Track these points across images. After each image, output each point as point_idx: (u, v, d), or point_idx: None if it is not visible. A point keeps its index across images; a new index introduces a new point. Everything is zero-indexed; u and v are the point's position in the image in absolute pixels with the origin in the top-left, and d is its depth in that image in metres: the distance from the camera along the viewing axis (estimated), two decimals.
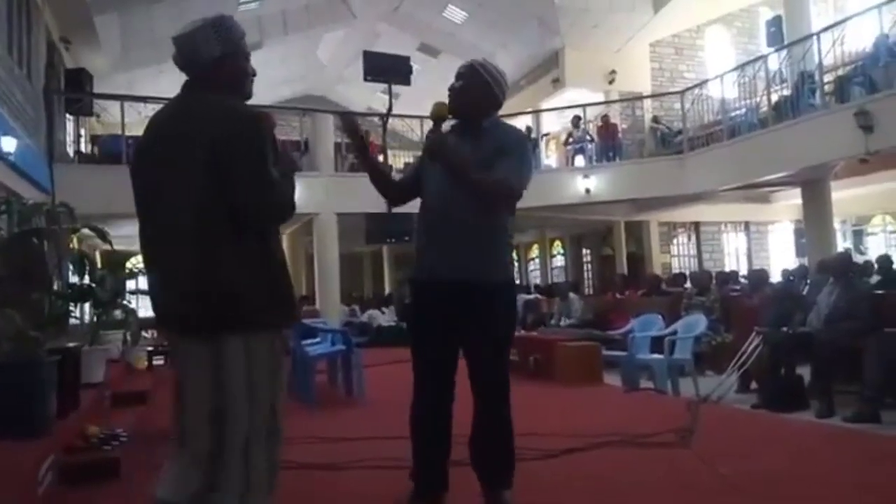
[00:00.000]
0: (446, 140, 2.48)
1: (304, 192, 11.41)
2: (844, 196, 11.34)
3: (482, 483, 2.52)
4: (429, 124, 2.57)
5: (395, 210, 9.80)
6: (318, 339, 6.27)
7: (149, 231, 1.92)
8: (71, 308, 4.14)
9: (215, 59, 1.87)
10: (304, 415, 4.71)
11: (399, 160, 14.35)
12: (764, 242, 15.94)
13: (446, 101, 2.54)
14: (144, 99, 11.08)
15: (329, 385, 6.15)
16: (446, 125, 2.57)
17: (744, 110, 11.34)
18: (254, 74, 2.00)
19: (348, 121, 2.72)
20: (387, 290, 18.04)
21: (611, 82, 14.83)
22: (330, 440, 3.76)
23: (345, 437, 3.87)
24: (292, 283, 2.06)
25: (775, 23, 12.84)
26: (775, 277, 9.91)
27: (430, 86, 11.41)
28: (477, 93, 2.50)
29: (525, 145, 2.61)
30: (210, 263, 1.79)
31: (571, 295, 9.71)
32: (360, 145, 2.67)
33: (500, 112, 2.64)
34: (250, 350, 1.83)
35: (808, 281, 8.24)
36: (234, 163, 1.77)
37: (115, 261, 5.42)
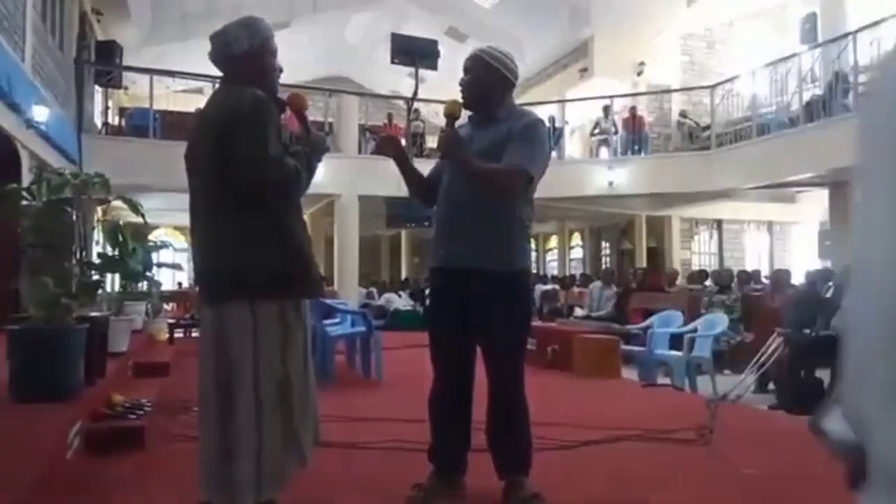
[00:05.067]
0: (454, 137, 2.49)
1: (326, 174, 11.48)
2: None
3: (499, 469, 2.53)
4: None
5: None
6: (337, 320, 6.30)
7: (190, 212, 2.14)
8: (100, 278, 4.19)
9: (243, 53, 2.06)
10: (323, 395, 4.73)
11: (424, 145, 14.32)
12: (786, 243, 15.74)
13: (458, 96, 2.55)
14: (173, 73, 11.16)
15: (347, 366, 6.19)
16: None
17: (774, 108, 11.17)
18: (280, 70, 2.18)
19: (387, 144, 2.67)
20: (403, 275, 18.09)
21: (639, 74, 14.63)
22: (349, 420, 3.79)
23: (364, 417, 3.91)
24: (311, 258, 2.18)
25: (810, 20, 12.58)
26: (797, 279, 9.79)
27: (456, 71, 11.29)
28: (488, 83, 2.51)
29: (537, 128, 2.56)
30: (216, 237, 2.02)
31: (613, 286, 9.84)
32: (402, 163, 2.65)
33: (527, 101, 2.62)
34: (256, 318, 1.98)
35: (831, 284, 8.13)
36: (232, 142, 1.95)
37: (141, 233, 5.49)
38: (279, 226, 2.05)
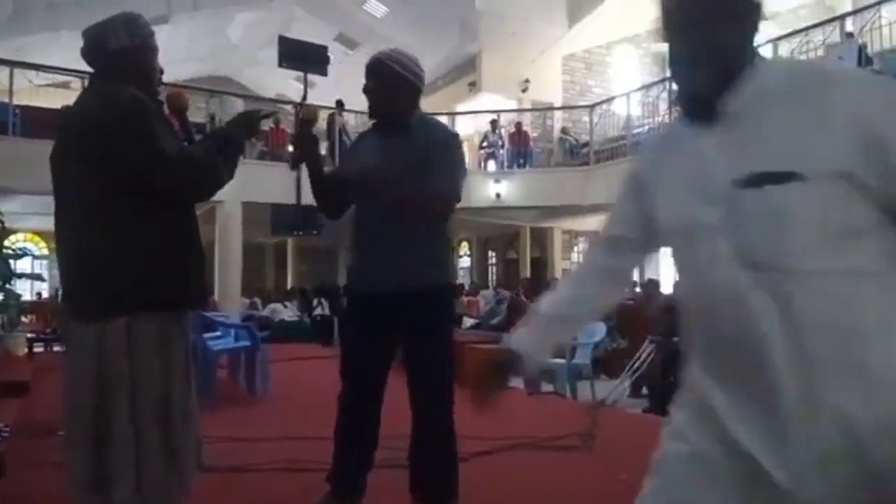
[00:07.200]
0: (376, 172, 2.32)
1: None
2: None
3: (424, 496, 2.43)
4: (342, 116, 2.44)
5: (304, 202, 9.45)
6: (218, 333, 6.03)
7: (55, 219, 1.96)
8: None
9: (122, 49, 1.94)
10: (205, 414, 4.51)
11: None
12: (657, 254, 16.82)
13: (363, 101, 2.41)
14: (37, 66, 10.32)
15: (230, 382, 5.94)
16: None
17: (646, 128, 11.93)
18: (161, 72, 2.07)
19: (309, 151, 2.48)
20: (289, 284, 17.66)
21: (524, 90, 15.18)
22: (234, 440, 3.63)
23: (249, 437, 3.76)
24: (196, 267, 2.07)
25: None
26: (666, 288, 10.46)
27: (346, 78, 11.23)
28: (397, 91, 2.34)
29: (458, 143, 2.53)
30: (92, 246, 1.85)
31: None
32: (316, 173, 2.46)
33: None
34: (134, 332, 1.85)
35: None
36: (119, 142, 1.82)
37: None
38: (159, 232, 1.93)
